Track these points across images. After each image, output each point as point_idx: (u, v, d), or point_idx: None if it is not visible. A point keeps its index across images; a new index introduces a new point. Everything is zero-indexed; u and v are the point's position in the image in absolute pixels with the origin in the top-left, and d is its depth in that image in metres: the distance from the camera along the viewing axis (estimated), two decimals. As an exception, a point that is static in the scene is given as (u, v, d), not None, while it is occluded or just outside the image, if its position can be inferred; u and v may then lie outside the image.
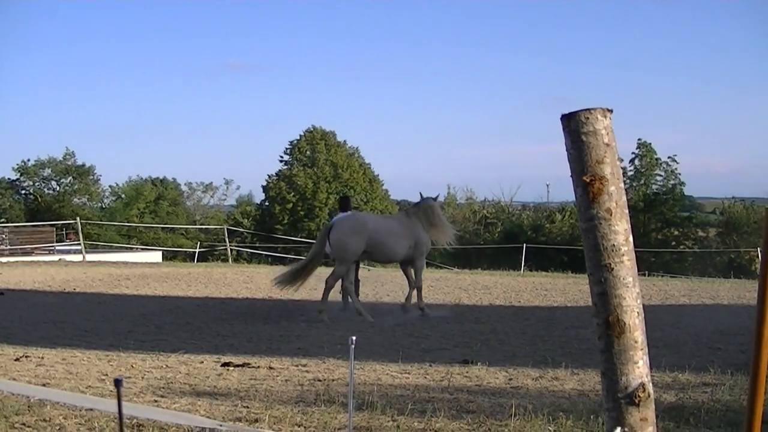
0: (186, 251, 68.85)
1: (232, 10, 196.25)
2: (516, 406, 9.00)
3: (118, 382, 3.69)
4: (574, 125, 4.52)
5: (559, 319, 19.12)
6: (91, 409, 8.65)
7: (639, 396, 4.53)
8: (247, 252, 67.01)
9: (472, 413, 9.04)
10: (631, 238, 4.59)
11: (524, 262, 45.58)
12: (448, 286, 27.92)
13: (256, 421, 8.57)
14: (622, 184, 4.61)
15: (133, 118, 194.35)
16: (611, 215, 4.50)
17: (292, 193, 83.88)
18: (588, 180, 4.49)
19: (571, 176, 4.59)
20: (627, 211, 4.61)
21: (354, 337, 5.43)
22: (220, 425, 7.17)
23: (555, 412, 8.87)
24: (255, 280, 28.70)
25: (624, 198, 4.58)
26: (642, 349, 4.57)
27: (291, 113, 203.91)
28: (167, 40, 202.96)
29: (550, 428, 8.29)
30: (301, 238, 63.90)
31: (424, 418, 8.67)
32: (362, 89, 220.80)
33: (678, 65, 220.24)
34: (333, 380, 11.22)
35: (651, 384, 4.63)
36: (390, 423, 8.53)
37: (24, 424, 8.48)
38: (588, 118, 4.50)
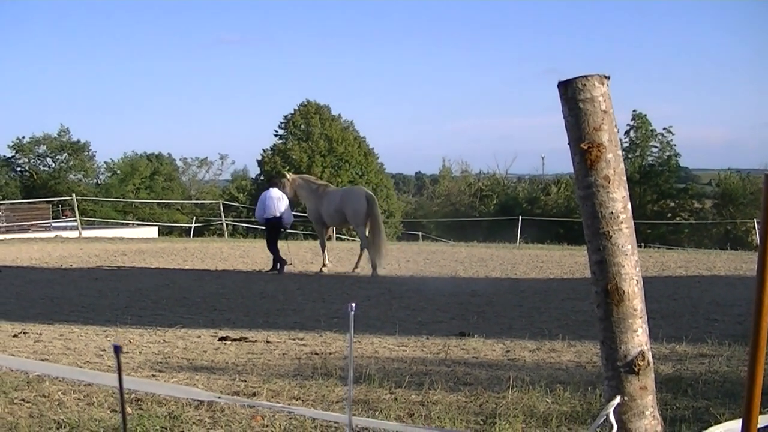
0: (182, 226, 68.95)
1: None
2: (513, 378, 9.00)
3: (117, 349, 3.64)
4: (571, 92, 4.48)
5: (556, 291, 19.11)
6: (90, 384, 8.64)
7: (638, 364, 4.50)
8: (242, 227, 66.99)
9: (470, 385, 9.03)
10: (629, 206, 4.56)
11: (520, 234, 45.59)
12: (444, 259, 27.92)
13: (254, 394, 8.56)
14: (620, 152, 4.57)
15: (128, 94, 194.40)
16: (609, 182, 4.46)
17: (287, 168, 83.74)
18: (585, 147, 4.45)
19: (569, 144, 4.56)
20: (625, 178, 4.58)
21: (353, 304, 5.38)
22: (219, 397, 7.15)
23: (552, 383, 8.87)
24: (251, 255, 28.70)
25: (622, 165, 4.55)
26: (641, 318, 4.54)
27: (285, 88, 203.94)
28: (161, 16, 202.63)
29: (547, 400, 8.28)
30: (296, 212, 63.84)
31: (422, 391, 8.67)
32: (356, 63, 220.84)
33: (672, 34, 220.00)
34: (330, 353, 11.21)
35: (651, 353, 4.60)
36: (388, 395, 8.52)
37: (23, 399, 8.46)
38: (585, 84, 4.46)
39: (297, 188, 24.66)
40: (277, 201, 23.72)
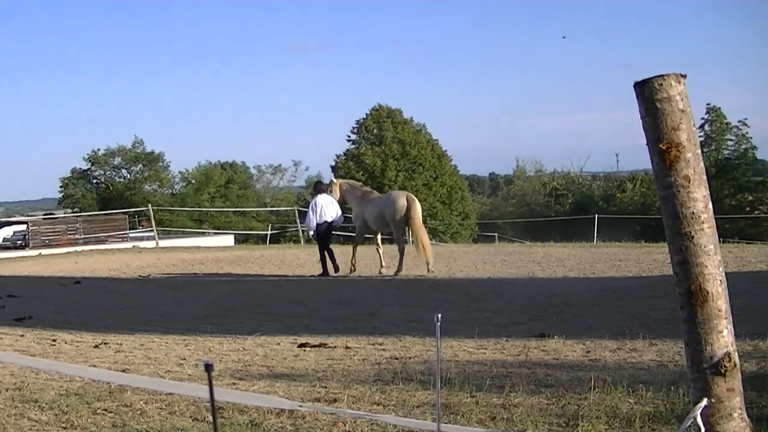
0: (258, 234, 69.33)
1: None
2: (594, 378, 8.91)
3: (208, 367, 3.69)
4: (647, 92, 4.43)
5: (635, 290, 18.93)
6: (171, 394, 8.71)
7: (725, 366, 4.44)
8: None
9: (551, 387, 8.98)
10: (710, 205, 4.50)
11: (596, 232, 45.33)
12: (521, 260, 27.81)
13: (335, 401, 8.58)
14: (699, 150, 4.52)
15: (201, 103, 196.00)
16: (689, 182, 4.41)
17: (361, 172, 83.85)
18: (664, 147, 4.40)
19: (647, 144, 4.51)
20: (705, 177, 4.52)
21: (439, 315, 5.37)
22: (300, 406, 7.17)
23: (634, 384, 8.77)
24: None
25: (702, 164, 4.49)
26: (726, 318, 4.48)
27: (357, 92, 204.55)
28: (232, 25, 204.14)
29: (630, 400, 8.20)
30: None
31: (503, 394, 8.63)
32: (427, 65, 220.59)
33: (745, 24, 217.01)
34: (410, 358, 11.21)
35: (737, 353, 4.54)
36: (469, 399, 8.50)
37: (106, 409, 8.56)
38: (662, 84, 4.41)
39: (344, 193, 25.21)
40: (328, 206, 24.31)
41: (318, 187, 25.53)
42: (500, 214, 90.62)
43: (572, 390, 8.75)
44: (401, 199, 23.88)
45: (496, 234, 62.60)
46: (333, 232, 25.36)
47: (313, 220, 24.23)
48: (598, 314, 15.25)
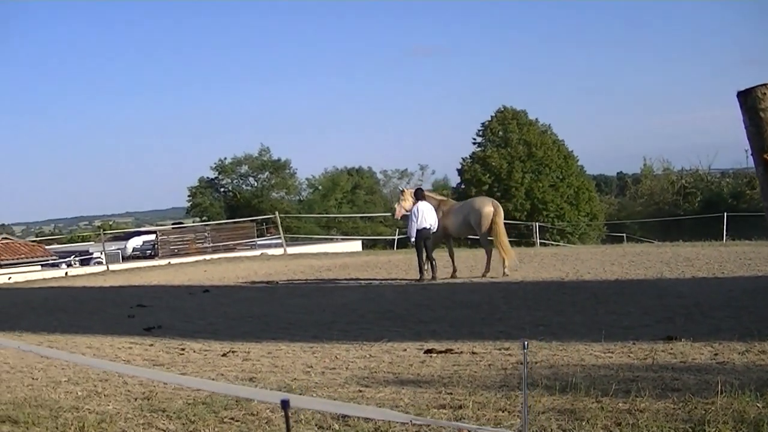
0: (385, 239, 69.54)
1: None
2: (722, 382, 8.85)
3: (285, 404, 3.82)
4: (750, 102, 4.40)
5: (765, 290, 18.62)
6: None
7: None
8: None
9: (678, 391, 8.94)
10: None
11: (726, 231, 44.55)
12: (649, 260, 27.48)
13: (460, 407, 8.67)
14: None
15: (325, 110, 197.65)
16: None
17: (487, 175, 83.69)
18: (769, 157, 4.39)
19: (751, 154, 4.49)
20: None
21: (526, 342, 5.42)
22: (411, 420, 7.20)
23: (763, 387, 8.69)
24: (480, 265, 28.72)
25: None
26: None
27: (482, 95, 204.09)
28: (354, 30, 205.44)
29: (758, 405, 8.13)
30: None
31: (629, 399, 8.63)
32: (552, 66, 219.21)
33: None
34: (536, 363, 11.23)
35: None
36: (594, 404, 8.51)
37: (232, 418, 8.79)
38: (765, 93, 4.38)
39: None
40: (428, 212, 24.90)
41: (419, 194, 25.81)
42: (628, 213, 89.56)
43: (699, 394, 8.70)
44: (488, 206, 25.08)
45: (624, 234, 61.81)
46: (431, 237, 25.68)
47: (413, 226, 24.73)
48: (727, 315, 15.02)
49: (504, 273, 24.21)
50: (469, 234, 26.84)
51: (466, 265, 27.16)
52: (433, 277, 24.47)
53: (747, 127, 4.49)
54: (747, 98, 4.46)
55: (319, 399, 8.69)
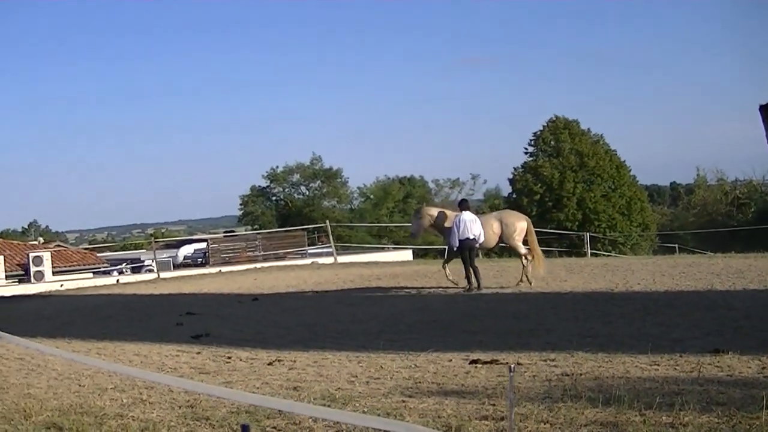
0: (436, 248, 69.44)
1: (466, 4, 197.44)
2: (768, 397, 8.77)
3: (245, 429, 3.86)
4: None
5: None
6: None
7: None
8: (497, 246, 66.96)
9: (723, 405, 8.87)
10: None
11: (779, 242, 44.11)
12: (700, 272, 27.22)
13: (502, 419, 8.64)
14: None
15: (378, 119, 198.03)
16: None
17: (539, 185, 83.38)
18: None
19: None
20: None
21: (513, 365, 5.37)
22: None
23: (810, 402, 8.60)
24: (505, 274, 28.67)
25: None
26: None
27: (534, 104, 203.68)
28: (407, 40, 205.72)
29: (804, 419, 8.05)
30: (549, 229, 63.37)
31: (672, 412, 8.58)
32: (604, 76, 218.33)
33: None
34: (581, 374, 11.20)
35: None
36: (637, 417, 8.47)
37: (275, 427, 8.83)
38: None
39: (438, 219, 25.91)
40: (472, 223, 24.94)
41: (463, 204, 25.90)
42: (681, 224, 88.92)
43: (744, 408, 8.63)
44: (521, 221, 25.86)
45: (676, 245, 61.34)
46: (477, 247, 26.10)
47: (456, 236, 24.77)
48: (777, 328, 14.88)
49: (530, 282, 24.85)
50: (497, 245, 27.72)
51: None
52: (478, 287, 24.44)
53: (771, 140, 4.48)
54: (771, 112, 4.46)
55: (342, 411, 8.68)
